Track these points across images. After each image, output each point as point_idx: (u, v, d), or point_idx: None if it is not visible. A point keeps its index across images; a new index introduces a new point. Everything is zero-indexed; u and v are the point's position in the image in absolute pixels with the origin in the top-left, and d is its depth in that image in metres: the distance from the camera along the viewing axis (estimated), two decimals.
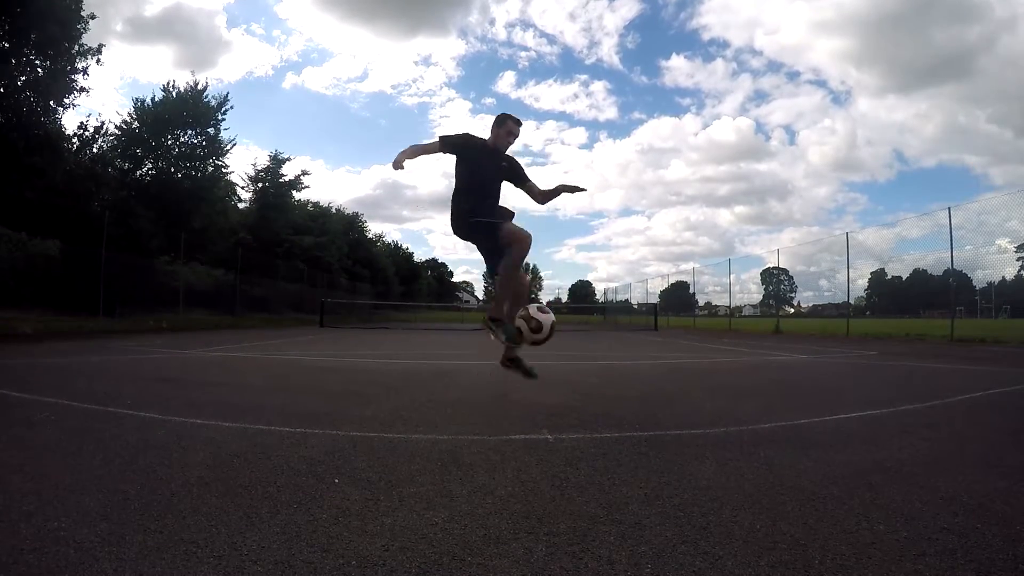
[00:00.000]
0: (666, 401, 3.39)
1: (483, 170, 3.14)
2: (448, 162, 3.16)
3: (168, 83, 18.81)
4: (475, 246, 3.18)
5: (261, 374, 4.65)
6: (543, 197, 3.29)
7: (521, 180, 3.27)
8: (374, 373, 4.86)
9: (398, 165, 2.94)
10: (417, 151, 3.04)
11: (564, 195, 3.27)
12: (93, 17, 14.23)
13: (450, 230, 3.15)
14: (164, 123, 18.14)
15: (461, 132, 3.21)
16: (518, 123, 3.22)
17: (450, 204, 3.13)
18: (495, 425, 2.53)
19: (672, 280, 31.61)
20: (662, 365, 6.03)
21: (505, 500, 1.52)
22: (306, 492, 1.56)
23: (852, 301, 17.73)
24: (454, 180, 3.16)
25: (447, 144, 3.11)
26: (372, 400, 3.21)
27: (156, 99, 18.43)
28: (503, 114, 3.22)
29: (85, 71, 14.42)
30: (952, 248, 12.03)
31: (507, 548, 1.21)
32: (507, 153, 3.25)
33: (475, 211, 3.03)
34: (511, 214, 3.13)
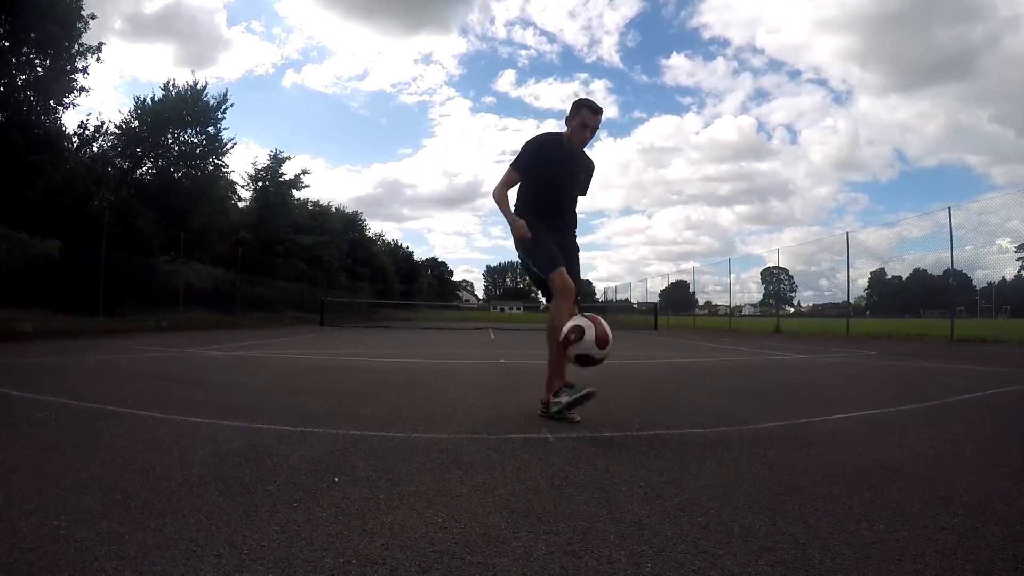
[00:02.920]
0: (666, 400, 3.39)
1: (559, 179, 2.64)
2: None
3: (168, 82, 18.83)
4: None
5: (261, 373, 4.65)
6: None
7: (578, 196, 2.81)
8: (374, 372, 4.85)
9: (523, 230, 2.52)
10: (504, 199, 2.61)
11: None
12: (93, 17, 14.27)
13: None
14: (164, 122, 18.15)
15: (530, 140, 2.69)
16: (596, 111, 2.56)
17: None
18: (495, 424, 2.53)
19: (672, 279, 31.65)
20: (662, 364, 6.03)
21: (505, 499, 1.52)
22: (306, 491, 1.56)
23: (852, 301, 17.75)
24: (518, 189, 2.72)
25: (523, 168, 2.64)
26: (372, 399, 3.21)
27: (156, 98, 18.44)
28: (578, 101, 2.58)
29: (85, 70, 14.48)
30: (952, 248, 12.06)
31: (507, 547, 1.21)
32: (589, 157, 2.76)
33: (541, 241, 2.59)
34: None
